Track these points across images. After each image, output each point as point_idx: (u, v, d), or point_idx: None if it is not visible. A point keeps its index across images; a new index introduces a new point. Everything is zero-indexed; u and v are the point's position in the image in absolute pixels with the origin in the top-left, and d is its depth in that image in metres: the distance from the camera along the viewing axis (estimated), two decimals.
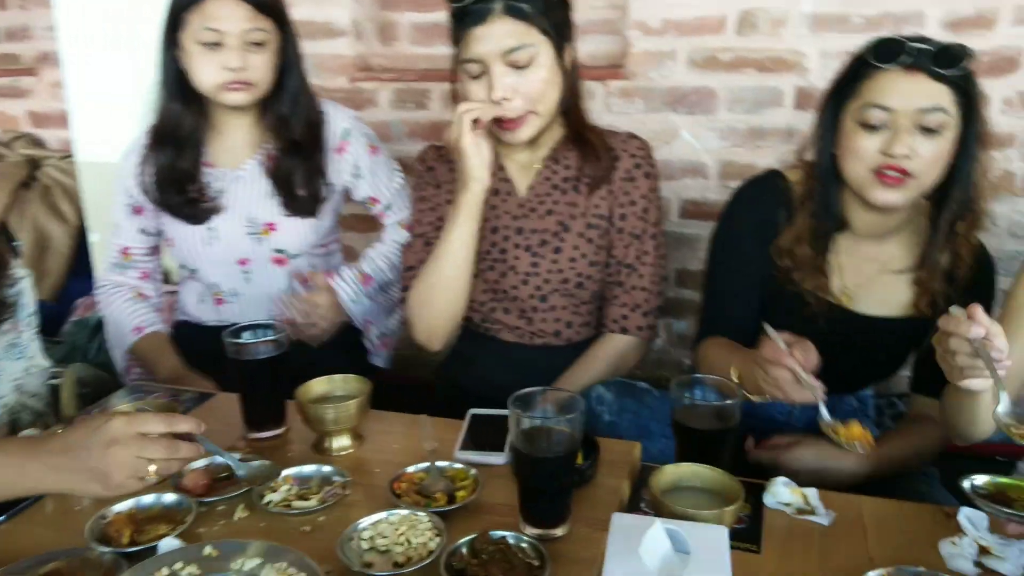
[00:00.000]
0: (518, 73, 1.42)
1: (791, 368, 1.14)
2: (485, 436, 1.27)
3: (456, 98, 1.54)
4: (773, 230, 1.41)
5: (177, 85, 1.65)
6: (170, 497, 1.10)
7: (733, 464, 1.14)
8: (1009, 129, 1.98)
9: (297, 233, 1.75)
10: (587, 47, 2.29)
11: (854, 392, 1.59)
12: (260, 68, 1.62)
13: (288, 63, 1.68)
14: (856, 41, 1.89)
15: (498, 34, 1.39)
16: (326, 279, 1.75)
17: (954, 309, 1.04)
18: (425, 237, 1.63)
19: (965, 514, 1.06)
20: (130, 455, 0.95)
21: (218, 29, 1.56)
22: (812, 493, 1.14)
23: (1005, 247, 2.03)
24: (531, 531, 1.03)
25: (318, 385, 1.32)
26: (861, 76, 1.27)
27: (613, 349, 1.59)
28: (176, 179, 1.70)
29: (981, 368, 1.02)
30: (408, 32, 2.49)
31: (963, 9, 1.93)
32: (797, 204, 1.40)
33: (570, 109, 1.53)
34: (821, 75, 2.03)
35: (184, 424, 1.00)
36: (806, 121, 1.40)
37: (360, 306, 1.79)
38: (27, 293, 1.41)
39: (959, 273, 1.34)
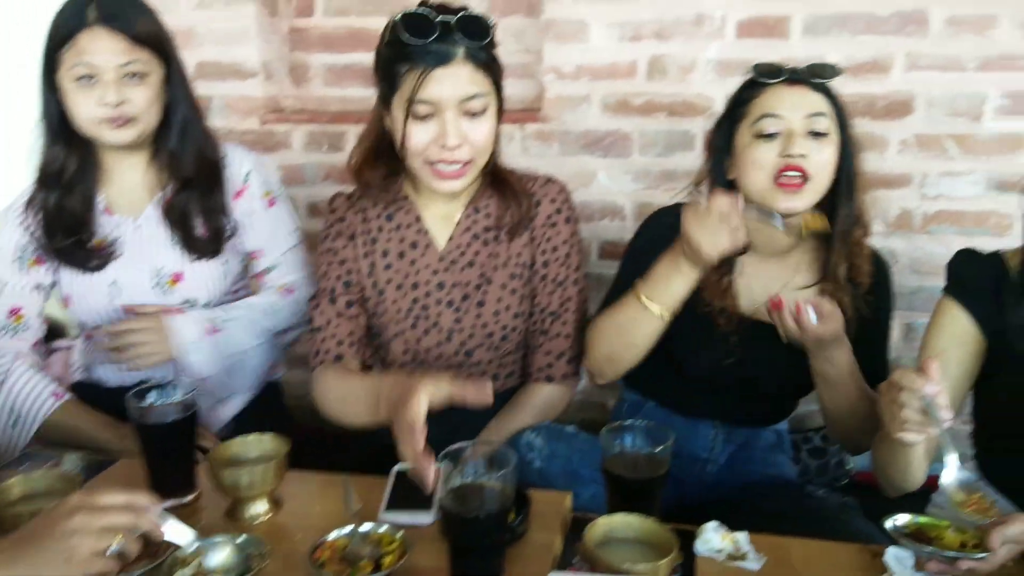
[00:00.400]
0: (469, 121, 1.38)
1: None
2: (411, 494, 1.19)
3: (366, 141, 1.50)
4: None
5: (59, 127, 1.55)
6: None
7: (664, 510, 1.13)
8: (906, 170, 2.08)
9: (205, 281, 1.66)
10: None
11: (772, 425, 1.61)
12: (140, 102, 1.52)
13: (174, 96, 1.59)
14: None
15: (458, 79, 1.35)
16: (156, 307, 1.63)
17: (902, 376, 1.07)
18: (332, 294, 1.55)
19: (892, 554, 1.07)
20: (93, 528, 0.90)
21: (92, 63, 1.47)
22: (742, 537, 1.13)
23: (907, 283, 2.11)
24: None
25: (230, 446, 1.24)
26: (750, 97, 1.37)
27: (539, 399, 1.56)
28: (65, 222, 1.60)
29: (924, 424, 1.05)
30: (321, 73, 2.45)
31: (861, 55, 2.02)
32: None
33: (491, 156, 1.50)
34: None
35: (142, 498, 0.97)
36: None
37: (200, 355, 1.62)
38: None
39: (860, 280, 1.41)
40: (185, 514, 1.20)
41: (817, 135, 1.33)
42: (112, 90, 1.48)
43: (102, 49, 1.47)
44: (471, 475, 0.99)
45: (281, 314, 1.70)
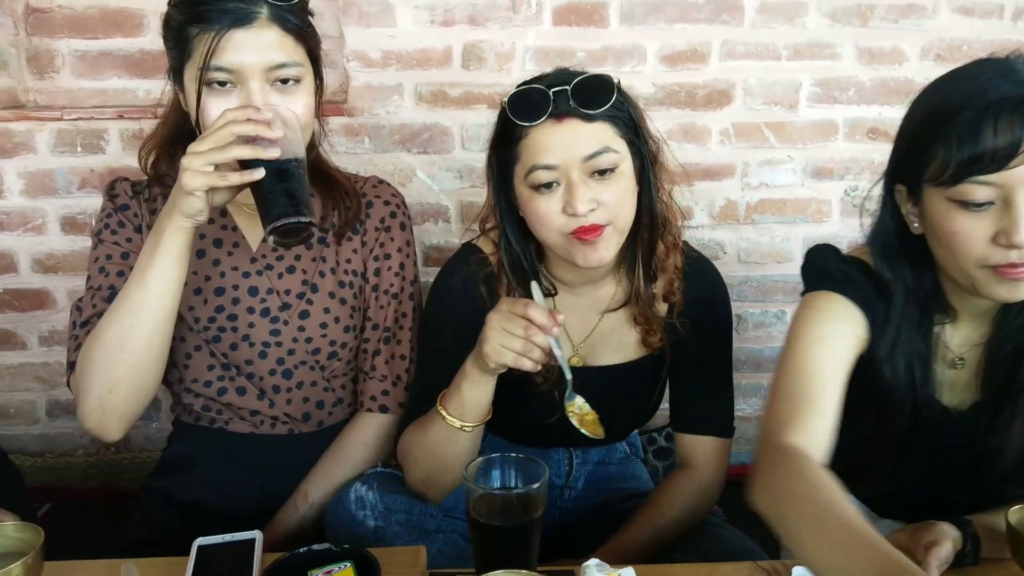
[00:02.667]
0: (279, 94, 1.15)
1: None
2: (219, 571, 0.96)
3: (156, 141, 1.25)
4: (478, 312, 1.22)
5: None
6: None
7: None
8: (728, 160, 2.08)
9: None
10: None
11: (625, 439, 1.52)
12: None
13: None
14: None
15: (263, 44, 1.13)
16: None
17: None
18: (113, 290, 1.24)
19: (799, 574, 0.98)
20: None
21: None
22: (627, 573, 0.99)
23: (735, 273, 2.12)
24: None
25: None
26: (515, 138, 1.15)
27: (373, 433, 1.34)
28: None
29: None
30: (70, 62, 2.09)
31: (677, 44, 1.99)
32: (496, 277, 1.28)
33: (311, 145, 1.28)
34: None
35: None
36: None
37: None
38: None
39: (674, 299, 1.28)
40: None
41: (603, 172, 1.13)
42: None
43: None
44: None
45: None
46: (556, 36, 1.97)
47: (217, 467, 1.31)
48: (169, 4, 1.16)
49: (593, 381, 1.28)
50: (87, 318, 1.23)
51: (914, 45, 2.01)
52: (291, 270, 1.31)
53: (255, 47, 1.13)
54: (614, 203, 1.13)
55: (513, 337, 1.05)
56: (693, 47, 1.99)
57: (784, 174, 2.09)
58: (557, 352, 1.08)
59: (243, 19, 1.11)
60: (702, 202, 2.07)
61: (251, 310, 1.29)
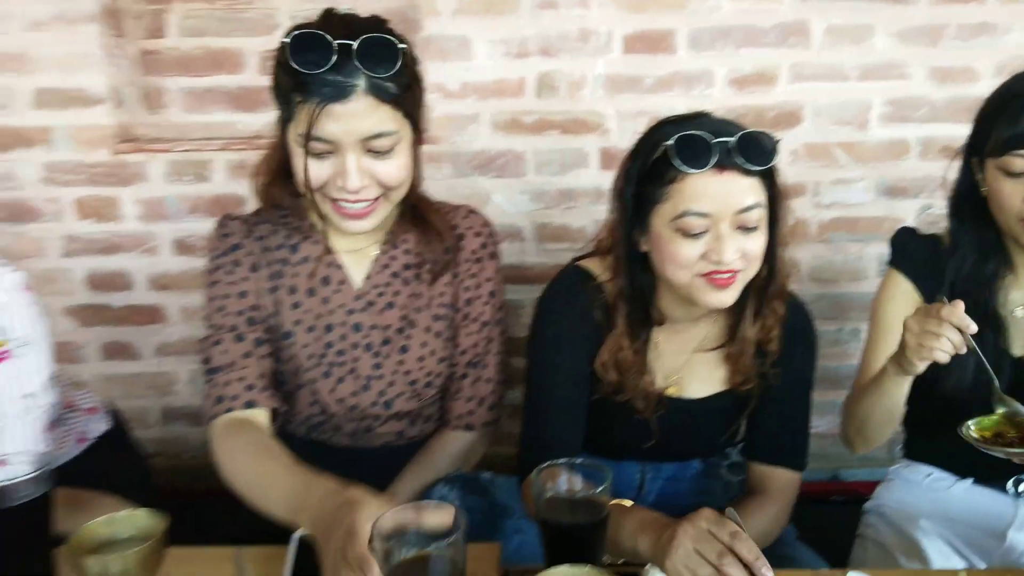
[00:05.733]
0: (375, 159, 1.23)
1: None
2: (316, 565, 1.04)
3: (268, 163, 1.33)
4: (592, 338, 1.33)
5: None
6: None
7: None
8: (799, 179, 2.11)
9: None
10: None
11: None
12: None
13: None
14: (650, 101, 2.01)
15: (359, 116, 1.19)
16: None
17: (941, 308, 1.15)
18: (236, 331, 1.33)
19: None
20: None
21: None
22: None
23: (808, 291, 2.14)
24: None
25: (95, 529, 1.04)
26: (667, 179, 1.17)
27: (456, 448, 1.44)
28: None
29: (945, 354, 1.15)
30: (178, 98, 2.29)
31: (745, 67, 2.05)
32: (611, 302, 1.32)
33: (412, 188, 1.35)
34: (620, 135, 2.08)
35: None
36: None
37: None
38: None
39: (769, 347, 1.32)
40: None
41: (748, 228, 1.17)
42: None
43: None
44: (412, 547, 0.86)
45: None
46: (625, 64, 2.05)
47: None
48: (276, 61, 1.23)
49: (685, 410, 1.36)
50: (217, 366, 1.30)
51: (987, 63, 2.02)
52: (390, 306, 1.39)
53: (351, 120, 1.19)
54: (754, 255, 1.19)
55: (701, 561, 0.98)
56: (760, 71, 2.05)
57: (856, 193, 2.11)
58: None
59: (341, 93, 1.17)
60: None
61: (355, 345, 1.37)
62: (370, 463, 1.43)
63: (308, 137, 1.19)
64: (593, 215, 2.12)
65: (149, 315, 2.31)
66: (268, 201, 1.37)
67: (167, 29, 2.25)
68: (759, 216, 1.16)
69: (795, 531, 1.40)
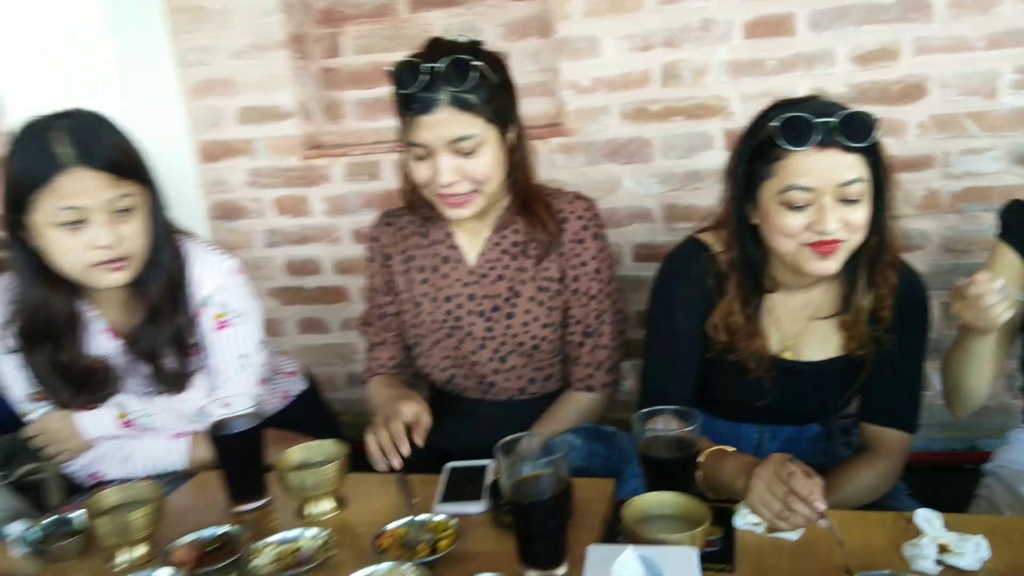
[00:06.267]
0: (463, 158, 1.46)
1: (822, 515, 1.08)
2: (463, 487, 1.31)
3: (403, 169, 1.59)
4: (704, 301, 1.44)
5: (38, 273, 1.45)
6: (162, 573, 1.13)
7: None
8: (927, 151, 2.10)
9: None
10: (526, 109, 2.38)
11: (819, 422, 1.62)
12: (134, 239, 1.43)
13: (155, 224, 1.49)
14: (773, 83, 2.07)
15: (443, 124, 1.43)
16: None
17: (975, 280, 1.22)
18: (383, 318, 1.75)
19: (922, 515, 1.12)
20: None
21: (79, 205, 1.37)
22: None
23: (941, 262, 2.14)
24: (533, 574, 1.06)
25: (295, 453, 1.36)
26: (774, 156, 1.27)
27: (578, 406, 1.64)
28: (64, 378, 1.51)
29: (1008, 305, 1.22)
30: (354, 109, 2.58)
31: (867, 44, 2.06)
32: (724, 271, 1.42)
33: (517, 178, 1.58)
34: (744, 117, 2.11)
35: None
36: None
37: (103, 444, 1.59)
38: None
39: (883, 314, 1.39)
40: (259, 516, 1.33)
41: (850, 200, 1.26)
42: (103, 230, 1.38)
43: (86, 189, 1.36)
44: (528, 467, 1.07)
45: (208, 420, 1.42)
46: (747, 49, 2.11)
47: (457, 423, 1.67)
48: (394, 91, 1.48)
49: (800, 373, 1.45)
50: (370, 344, 1.77)
51: None
52: (499, 279, 1.63)
53: (438, 127, 1.43)
54: (857, 225, 1.27)
55: (773, 498, 1.10)
56: (883, 46, 2.05)
57: (987, 162, 2.07)
58: (822, 523, 1.08)
59: (427, 107, 1.42)
60: (902, 193, 2.11)
61: (470, 312, 1.64)
62: (497, 415, 1.68)
63: (409, 144, 1.48)
64: (719, 194, 2.20)
65: (335, 295, 2.63)
66: (406, 198, 1.66)
67: (342, 49, 2.55)
68: (860, 189, 1.24)
69: (906, 488, 1.46)
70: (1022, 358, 1.53)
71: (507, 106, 1.52)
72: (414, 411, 1.44)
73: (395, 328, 1.74)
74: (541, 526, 1.07)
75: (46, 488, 1.44)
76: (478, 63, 1.43)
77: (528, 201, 1.61)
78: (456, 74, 1.42)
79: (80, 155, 1.36)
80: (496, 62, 1.50)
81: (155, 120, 1.45)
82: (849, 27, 2.05)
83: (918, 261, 1.96)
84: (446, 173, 1.46)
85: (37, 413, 1.56)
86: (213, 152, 2.60)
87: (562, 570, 1.07)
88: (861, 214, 1.27)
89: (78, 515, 1.29)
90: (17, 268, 1.46)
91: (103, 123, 1.44)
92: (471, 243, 1.66)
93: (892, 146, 2.04)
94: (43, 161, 1.35)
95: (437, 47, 1.48)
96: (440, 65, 1.41)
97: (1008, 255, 1.43)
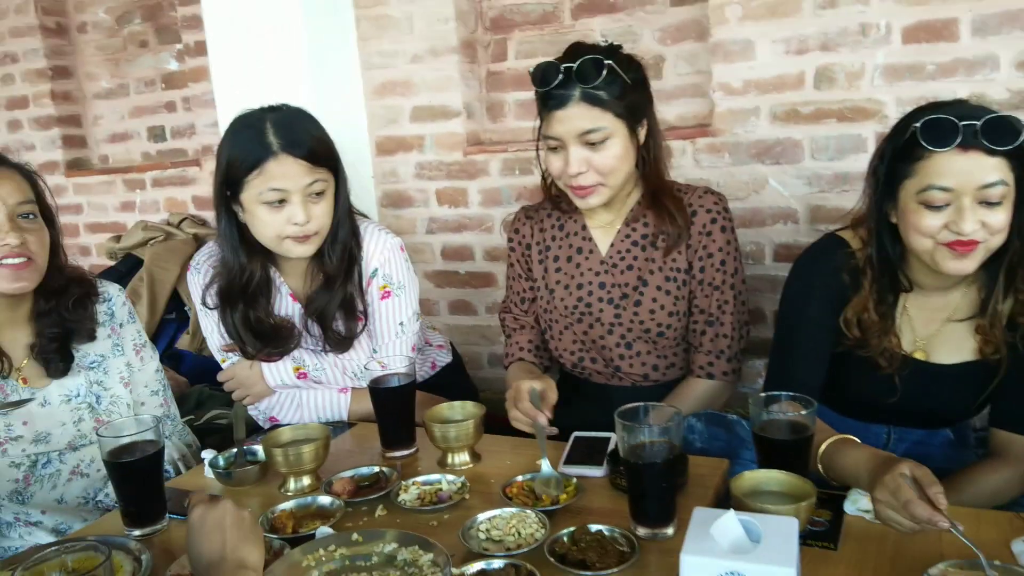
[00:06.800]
0: (591, 149, 1.58)
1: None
2: (586, 453, 1.43)
3: (542, 164, 1.73)
4: (839, 295, 1.46)
5: (240, 242, 1.69)
6: (323, 499, 1.33)
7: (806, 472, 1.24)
8: None
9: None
10: (676, 109, 2.48)
11: (951, 427, 1.61)
12: (322, 217, 1.65)
13: (339, 203, 1.70)
14: (931, 88, 2.05)
15: (575, 118, 1.56)
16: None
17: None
18: (515, 308, 1.89)
19: None
20: None
21: (283, 188, 1.59)
22: None
23: None
24: (643, 531, 1.17)
25: (441, 410, 1.53)
26: (916, 156, 1.29)
27: (700, 392, 1.72)
28: (255, 333, 1.74)
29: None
30: (513, 109, 2.75)
31: None
32: (860, 267, 1.44)
33: (648, 173, 1.68)
34: None
35: None
36: None
37: (281, 391, 1.81)
38: (120, 309, 1.66)
39: (1021, 320, 1.37)
40: (407, 462, 1.51)
41: (991, 204, 1.26)
42: (300, 210, 1.60)
43: (290, 174, 1.58)
44: (646, 432, 1.17)
45: (369, 376, 1.63)
46: (905, 53, 2.08)
47: (584, 404, 1.79)
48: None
49: (931, 375, 1.46)
50: (509, 330, 1.90)
51: None
52: (629, 268, 1.73)
53: (569, 121, 1.56)
54: (996, 227, 1.28)
55: (897, 515, 1.10)
56: None
57: None
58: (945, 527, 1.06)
59: (562, 102, 1.56)
60: None
61: (600, 299, 1.75)
62: (621, 399, 1.74)
63: (544, 136, 1.62)
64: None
65: (484, 280, 2.80)
66: (546, 192, 1.80)
67: (508, 53, 2.71)
68: (1002, 192, 1.25)
69: None
70: None
71: (639, 103, 1.62)
72: (541, 387, 1.54)
73: (534, 313, 1.88)
74: (653, 486, 1.17)
75: (235, 424, 1.69)
76: (608, 61, 1.55)
77: (658, 195, 1.70)
78: (588, 72, 1.54)
79: (286, 144, 1.58)
80: (631, 62, 1.62)
81: (340, 116, 1.66)
82: (1016, 32, 1.98)
83: None
84: (575, 164, 1.58)
85: (229, 362, 1.82)
86: (387, 147, 2.84)
87: (671, 529, 1.17)
88: (1001, 217, 1.27)
89: (257, 448, 1.53)
90: (223, 237, 1.71)
91: (305, 117, 1.68)
92: (604, 235, 1.77)
93: None
94: (257, 148, 1.59)
95: (576, 49, 1.61)
96: (574, 64, 1.54)
97: None
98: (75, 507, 1.57)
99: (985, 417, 1.51)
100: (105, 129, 3.66)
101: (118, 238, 3.20)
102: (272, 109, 1.65)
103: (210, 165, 3.18)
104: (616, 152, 1.60)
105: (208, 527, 1.01)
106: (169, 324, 2.93)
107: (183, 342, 2.80)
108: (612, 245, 1.76)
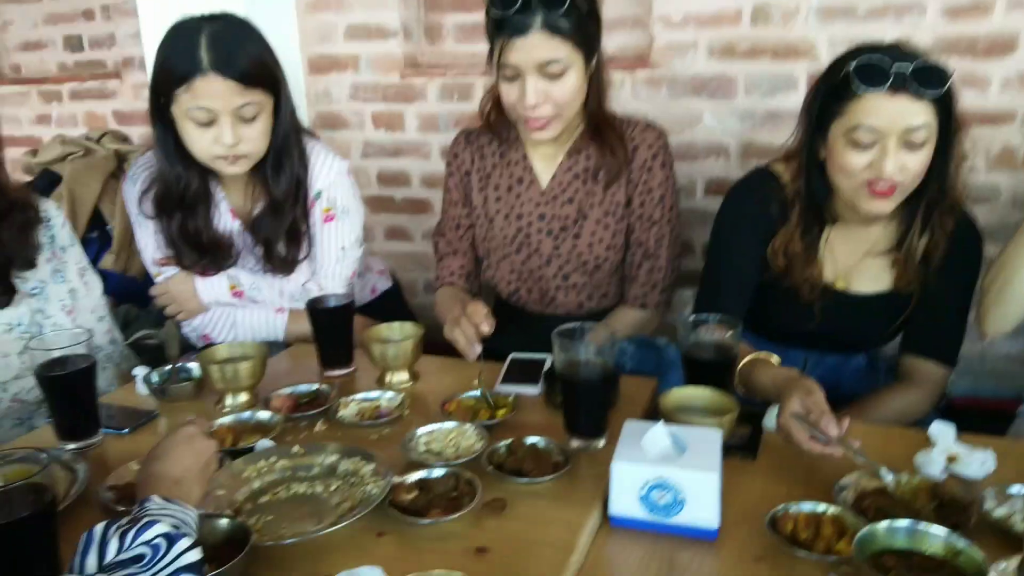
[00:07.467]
0: (549, 81, 1.55)
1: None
2: (522, 373, 1.48)
3: (491, 91, 1.70)
4: (767, 226, 1.52)
5: (176, 152, 1.64)
6: (262, 414, 1.34)
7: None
8: (1009, 107, 2.10)
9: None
10: (615, 41, 2.47)
11: (865, 352, 1.71)
12: (253, 139, 1.60)
13: (278, 124, 1.65)
14: (862, 29, 2.10)
15: (535, 47, 1.51)
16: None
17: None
18: (448, 233, 1.87)
19: (935, 426, 1.22)
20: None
21: (209, 107, 1.54)
22: None
23: (1009, 218, 2.14)
24: (576, 443, 1.22)
25: (380, 331, 1.55)
26: (847, 96, 1.33)
27: (633, 320, 1.78)
28: (192, 242, 1.71)
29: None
30: (452, 32, 2.70)
31: (963, 0, 2.05)
32: (789, 200, 1.50)
33: (592, 106, 1.67)
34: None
35: None
36: None
37: (215, 308, 1.80)
38: (60, 231, 1.56)
39: (934, 256, 1.46)
40: (346, 382, 1.53)
41: (913, 145, 1.31)
42: (228, 131, 1.55)
43: (218, 94, 1.52)
44: (581, 350, 1.22)
45: (307, 296, 1.65)
46: None
47: (518, 332, 1.77)
48: (485, 9, 1.58)
49: (849, 304, 1.54)
50: (441, 254, 1.88)
51: None
52: (569, 201, 1.75)
53: (528, 50, 1.51)
54: (915, 171, 1.33)
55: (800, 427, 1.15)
56: (976, 2, 2.03)
57: None
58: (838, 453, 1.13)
59: (522, 29, 1.50)
60: (979, 146, 2.12)
61: (540, 231, 1.77)
62: (555, 327, 1.79)
63: (500, 65, 1.57)
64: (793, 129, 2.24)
65: (421, 207, 2.79)
66: (486, 119, 1.77)
67: None
68: (924, 136, 1.31)
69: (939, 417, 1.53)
70: None
71: (593, 34, 1.60)
72: (480, 308, 1.55)
73: (468, 239, 1.88)
74: (586, 401, 1.23)
75: (167, 342, 1.67)
76: None
77: (601, 128, 1.70)
78: None
79: (217, 62, 1.51)
80: None
81: (270, 31, 1.60)
82: None
83: (985, 213, 2.00)
84: (532, 95, 1.55)
85: (163, 276, 1.79)
86: (320, 65, 2.76)
87: (602, 442, 1.23)
88: (920, 159, 1.34)
89: (192, 365, 1.52)
90: (158, 146, 1.65)
91: (245, 33, 1.60)
92: (545, 166, 1.77)
93: (974, 100, 2.09)
94: (186, 62, 1.52)
95: None
96: None
97: None
98: (10, 428, 1.53)
99: (895, 346, 1.61)
100: (16, 36, 3.44)
101: (35, 152, 3.04)
102: (211, 19, 1.58)
103: (132, 78, 3.06)
104: (573, 84, 1.58)
105: (193, 449, 1.01)
106: (91, 243, 2.82)
107: (106, 262, 2.71)
108: (554, 177, 1.76)
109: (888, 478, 1.10)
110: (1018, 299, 1.44)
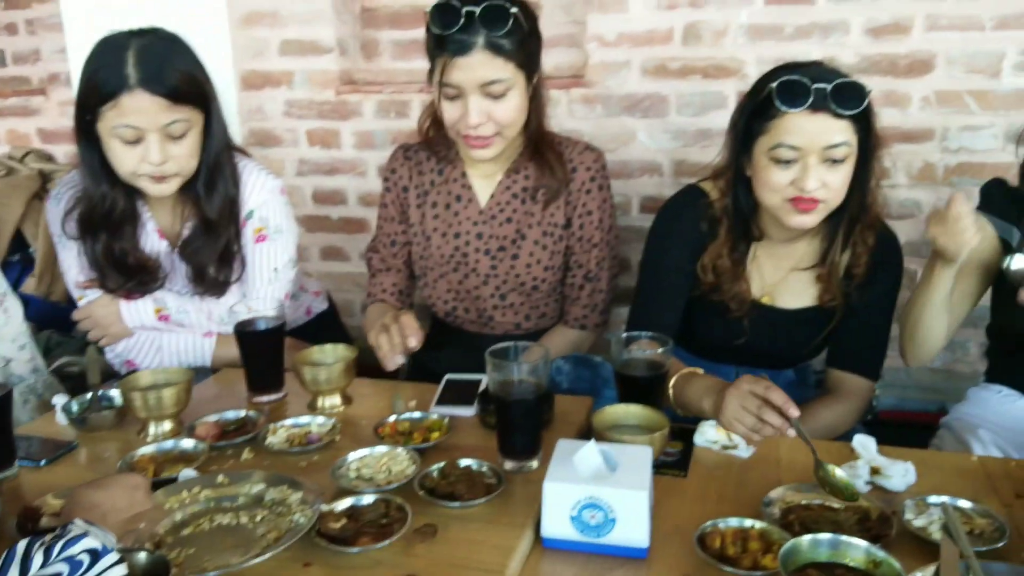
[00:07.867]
0: (492, 101, 1.53)
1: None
2: (457, 394, 1.46)
3: (430, 108, 1.69)
4: (697, 242, 1.55)
5: (101, 171, 1.60)
6: (186, 443, 1.30)
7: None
8: (928, 124, 2.17)
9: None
10: (551, 59, 2.49)
11: (792, 367, 1.74)
12: (181, 158, 1.56)
13: (209, 142, 1.62)
14: (788, 49, 2.16)
15: (477, 66, 1.49)
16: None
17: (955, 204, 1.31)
18: (382, 249, 1.83)
19: (858, 440, 1.25)
20: None
21: (135, 125, 1.50)
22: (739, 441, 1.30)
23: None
24: (510, 464, 1.21)
25: (311, 354, 1.52)
26: (770, 115, 1.37)
27: (571, 340, 1.78)
28: (118, 265, 1.66)
29: (976, 231, 1.33)
30: (389, 48, 2.68)
31: (881, 18, 2.13)
32: (718, 217, 1.53)
33: (531, 125, 1.66)
34: None
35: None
36: None
37: (140, 333, 1.75)
38: None
39: (856, 271, 1.50)
40: (275, 408, 1.49)
41: (834, 162, 1.35)
42: (155, 149, 1.51)
43: (145, 111, 1.48)
44: (514, 370, 1.21)
45: (235, 319, 1.57)
46: (767, 14, 2.18)
47: (455, 351, 1.80)
48: (425, 26, 1.54)
49: (775, 319, 1.57)
50: (374, 271, 1.84)
51: None
52: (508, 220, 1.73)
53: (470, 70, 1.49)
54: (836, 187, 1.37)
55: (746, 413, 1.23)
56: (897, 20, 2.11)
57: (984, 140, 2.13)
58: (791, 433, 1.21)
59: (464, 49, 1.48)
60: (900, 163, 2.20)
61: (477, 250, 1.75)
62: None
63: (441, 84, 1.54)
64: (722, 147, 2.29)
65: (357, 226, 2.75)
66: (425, 135, 1.75)
67: None
68: (844, 153, 1.35)
69: (865, 431, 1.54)
70: (988, 325, 1.64)
71: (535, 54, 1.60)
72: (412, 322, 1.50)
73: (403, 256, 1.85)
74: (520, 422, 1.22)
75: (89, 368, 1.61)
76: (514, 9, 1.50)
77: (540, 147, 1.69)
78: (493, 18, 1.47)
79: (144, 78, 1.48)
80: (527, 10, 1.57)
81: (202, 46, 1.56)
82: (866, 0, 2.11)
83: (907, 228, 2.07)
84: (475, 115, 1.53)
85: (86, 299, 1.73)
86: (253, 81, 2.71)
87: (535, 462, 1.23)
88: (841, 176, 1.38)
89: (114, 393, 1.47)
90: (83, 164, 1.60)
91: (174, 49, 1.56)
92: (484, 185, 1.76)
93: (894, 117, 2.17)
94: (113, 78, 1.47)
95: None
96: (477, 8, 1.47)
97: (986, 227, 1.50)
98: None
99: (823, 360, 1.64)
100: None
101: None
102: (140, 34, 1.53)
103: (57, 94, 2.96)
104: (516, 104, 1.57)
105: (131, 496, 1.04)
106: (12, 267, 2.72)
107: (28, 286, 2.61)
108: (492, 196, 1.75)
109: (823, 469, 1.12)
110: (931, 336, 1.51)
